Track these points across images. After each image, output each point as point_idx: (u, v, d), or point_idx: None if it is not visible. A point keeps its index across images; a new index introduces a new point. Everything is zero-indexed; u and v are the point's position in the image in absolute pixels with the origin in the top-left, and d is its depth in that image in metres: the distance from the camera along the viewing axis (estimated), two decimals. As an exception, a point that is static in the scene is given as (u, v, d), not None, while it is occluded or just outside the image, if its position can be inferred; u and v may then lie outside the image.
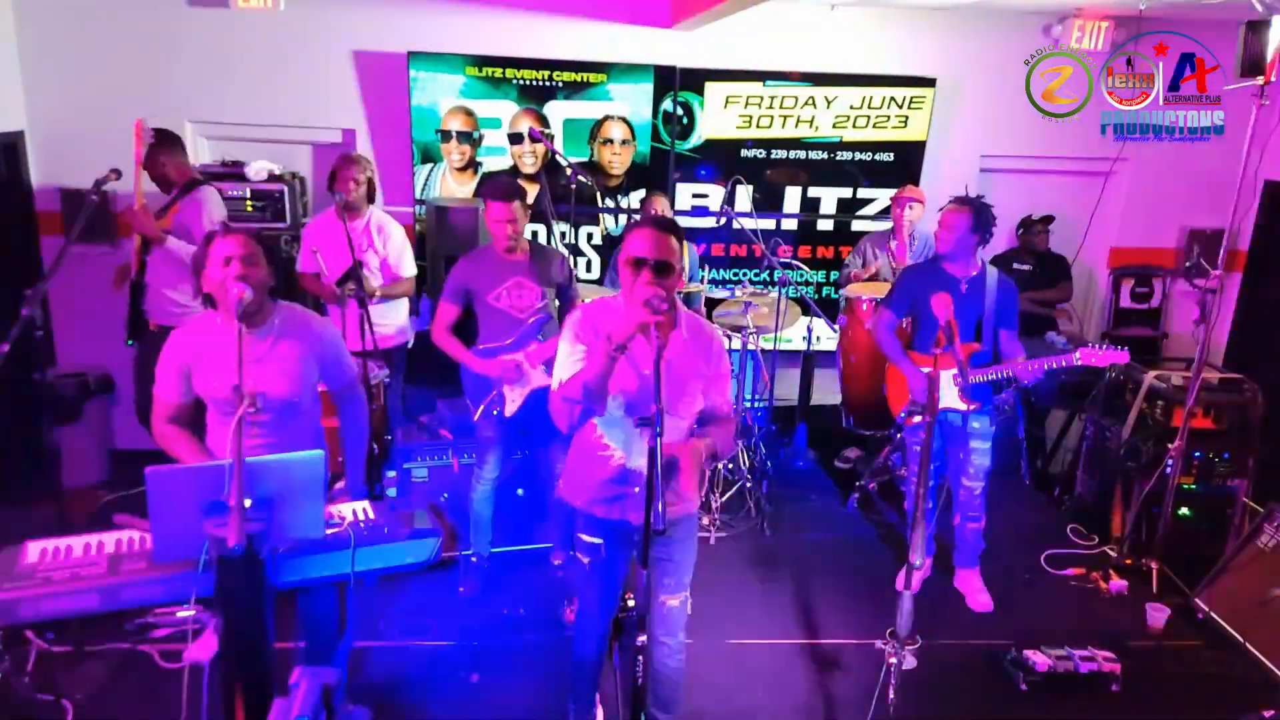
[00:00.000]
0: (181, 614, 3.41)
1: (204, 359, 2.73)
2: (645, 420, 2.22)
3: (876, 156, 5.72)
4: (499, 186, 3.61)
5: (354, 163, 4.23)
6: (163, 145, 4.15)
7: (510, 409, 3.65)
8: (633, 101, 5.44)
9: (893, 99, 5.59)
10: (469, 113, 5.35)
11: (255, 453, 2.69)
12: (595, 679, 3.09)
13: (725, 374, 2.67)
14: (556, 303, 3.79)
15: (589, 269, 5.70)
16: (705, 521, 4.60)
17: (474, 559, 3.98)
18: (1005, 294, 3.89)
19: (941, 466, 4.02)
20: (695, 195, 5.71)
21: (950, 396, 3.73)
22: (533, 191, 5.49)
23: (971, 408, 3.60)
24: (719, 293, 5.12)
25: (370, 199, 4.32)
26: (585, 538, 2.77)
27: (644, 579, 2.36)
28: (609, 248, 5.57)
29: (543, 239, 5.57)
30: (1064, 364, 3.68)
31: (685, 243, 5.10)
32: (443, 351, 3.70)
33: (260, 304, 2.70)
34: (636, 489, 2.64)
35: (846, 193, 5.80)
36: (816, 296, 5.82)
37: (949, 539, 4.22)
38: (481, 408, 3.69)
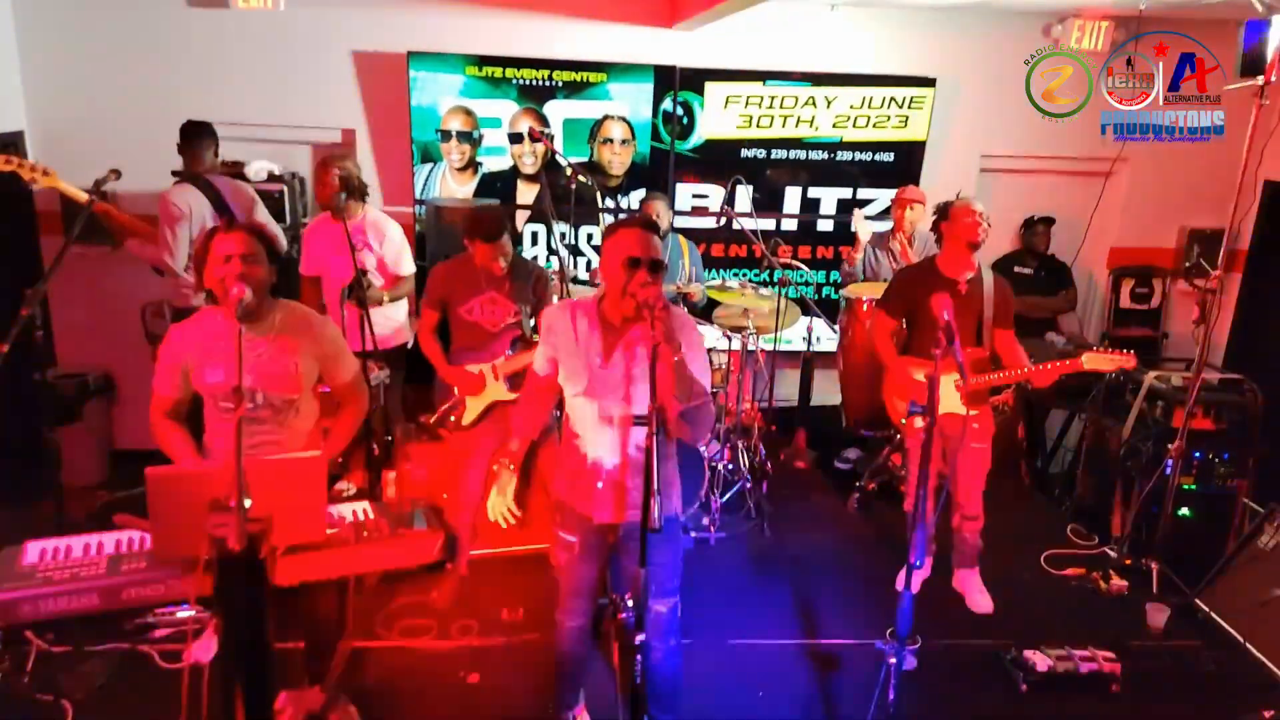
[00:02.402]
0: (181, 614, 3.43)
1: (204, 355, 2.73)
2: (641, 419, 2.23)
3: (876, 156, 5.72)
4: (485, 225, 3.55)
5: (325, 164, 4.13)
6: (181, 139, 4.35)
7: (468, 418, 3.69)
8: (632, 101, 5.44)
9: (893, 99, 5.59)
10: (469, 113, 5.35)
11: (254, 450, 2.70)
12: (577, 679, 3.09)
13: (696, 346, 2.62)
14: (531, 320, 3.82)
15: (589, 268, 5.69)
16: (705, 521, 4.60)
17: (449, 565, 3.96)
18: (1000, 295, 3.90)
19: (941, 467, 4.02)
20: (695, 195, 5.71)
21: (951, 401, 3.72)
22: (533, 191, 5.51)
23: (973, 412, 3.59)
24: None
25: (358, 196, 4.24)
26: (561, 534, 2.81)
27: (641, 579, 2.36)
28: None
29: (542, 239, 5.58)
30: (1072, 368, 3.70)
31: (688, 243, 5.15)
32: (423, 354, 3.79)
33: (261, 302, 2.70)
34: (599, 483, 2.67)
35: (846, 193, 5.80)
36: (816, 297, 5.82)
37: (948, 539, 4.21)
38: (439, 413, 3.76)
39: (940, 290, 3.13)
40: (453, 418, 3.71)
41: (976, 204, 3.84)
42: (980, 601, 4.08)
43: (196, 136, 4.38)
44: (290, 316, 2.83)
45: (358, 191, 4.20)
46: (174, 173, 4.54)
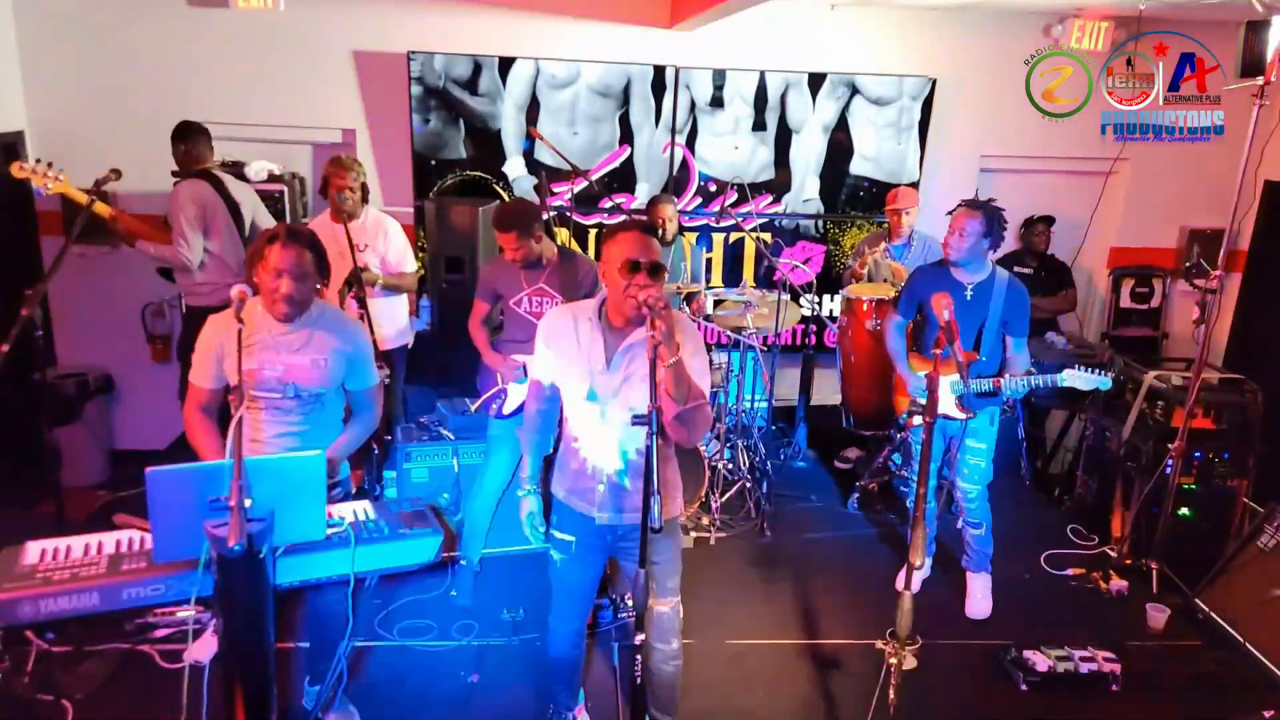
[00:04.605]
0: (181, 614, 3.44)
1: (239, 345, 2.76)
2: (641, 419, 2.23)
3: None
4: (497, 216, 3.67)
5: (345, 169, 4.13)
6: (175, 137, 4.34)
7: (508, 407, 3.69)
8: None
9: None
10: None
11: (284, 440, 2.85)
12: (573, 680, 3.09)
13: (696, 348, 2.61)
14: None
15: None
16: (705, 521, 4.61)
17: (463, 563, 3.97)
18: (1015, 299, 3.75)
19: (942, 467, 4.02)
20: (697, 195, 5.71)
21: (948, 403, 3.71)
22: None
23: (968, 417, 3.57)
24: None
25: (364, 200, 4.29)
26: (558, 534, 2.82)
27: (641, 580, 2.36)
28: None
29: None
30: (1049, 384, 3.69)
31: (690, 244, 5.14)
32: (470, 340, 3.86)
33: (305, 306, 2.81)
34: (600, 486, 2.68)
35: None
36: (816, 297, 5.82)
37: (950, 540, 4.21)
38: (481, 400, 3.79)
39: (947, 292, 3.12)
40: (496, 405, 3.74)
41: (967, 216, 3.68)
42: (979, 607, 4.05)
43: (193, 135, 4.37)
44: (328, 316, 2.92)
45: (366, 193, 4.26)
46: (174, 172, 4.54)
